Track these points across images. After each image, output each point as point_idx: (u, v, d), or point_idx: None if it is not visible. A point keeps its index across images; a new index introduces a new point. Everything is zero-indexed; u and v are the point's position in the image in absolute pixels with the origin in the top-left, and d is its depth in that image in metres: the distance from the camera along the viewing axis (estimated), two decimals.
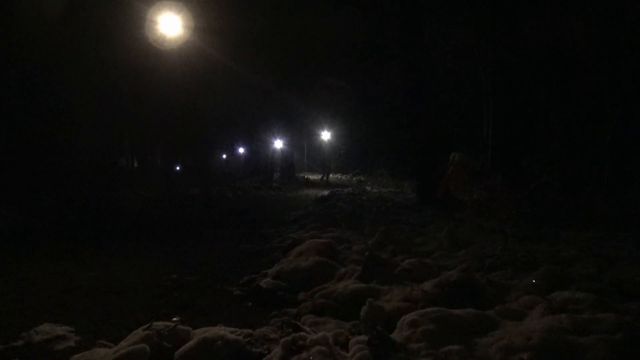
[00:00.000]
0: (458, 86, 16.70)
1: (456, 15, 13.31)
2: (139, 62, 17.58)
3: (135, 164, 25.68)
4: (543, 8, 10.68)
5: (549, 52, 10.86)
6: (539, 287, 3.98)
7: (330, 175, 31.96)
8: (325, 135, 32.20)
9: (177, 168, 28.56)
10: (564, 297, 3.44)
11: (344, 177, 35.76)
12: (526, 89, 11.27)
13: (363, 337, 2.71)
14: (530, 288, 3.98)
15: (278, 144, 33.68)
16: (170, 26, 15.74)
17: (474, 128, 13.70)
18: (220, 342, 2.70)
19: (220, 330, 2.95)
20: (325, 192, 18.75)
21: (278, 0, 21.47)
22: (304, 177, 32.46)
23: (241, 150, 35.58)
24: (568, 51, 10.67)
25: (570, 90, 11.05)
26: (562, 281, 4.18)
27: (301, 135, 34.61)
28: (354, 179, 33.21)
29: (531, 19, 10.58)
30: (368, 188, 22.82)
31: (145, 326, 3.00)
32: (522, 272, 4.65)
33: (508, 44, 10.53)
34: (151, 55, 17.47)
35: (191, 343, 2.73)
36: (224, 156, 35.26)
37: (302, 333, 2.74)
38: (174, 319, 3.75)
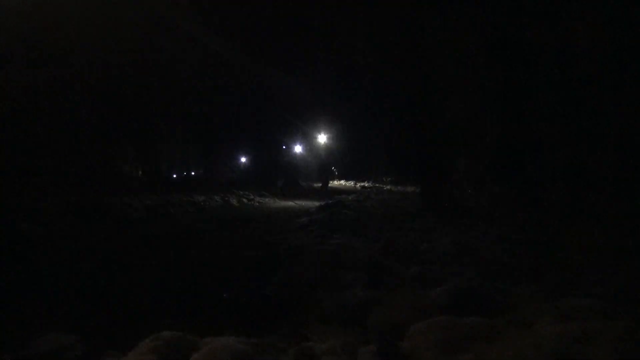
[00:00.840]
0: (462, 91, 16.70)
1: (461, 19, 13.31)
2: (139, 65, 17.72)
3: (140, 172, 25.74)
4: (548, 12, 10.68)
5: (554, 55, 10.85)
6: (547, 294, 3.97)
7: (334, 182, 31.90)
8: (328, 142, 32.26)
9: (184, 173, 28.64)
10: (572, 304, 3.42)
11: (347, 184, 35.78)
12: (531, 94, 11.26)
13: (372, 347, 2.70)
14: (538, 295, 3.97)
15: (282, 150, 33.74)
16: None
17: (478, 134, 13.68)
18: (228, 352, 2.70)
19: (229, 340, 2.95)
20: (330, 200, 18.74)
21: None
22: (307, 184, 32.50)
23: (245, 158, 35.67)
24: (572, 53, 10.66)
25: (575, 93, 11.03)
26: (570, 287, 4.17)
27: (304, 142, 34.66)
28: (358, 185, 33.23)
29: (537, 22, 10.58)
30: (372, 195, 22.78)
31: (153, 336, 2.99)
32: (529, 279, 4.64)
33: (513, 47, 10.54)
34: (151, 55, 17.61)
35: (200, 353, 2.72)
36: (243, 159, 35.25)
37: (310, 343, 2.73)
38: (182, 328, 3.74)
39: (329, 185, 32.84)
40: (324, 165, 33.49)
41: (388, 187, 28.45)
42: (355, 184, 34.99)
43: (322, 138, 30.69)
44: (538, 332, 2.87)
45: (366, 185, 32.27)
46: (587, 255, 5.79)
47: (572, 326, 2.82)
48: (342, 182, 39.33)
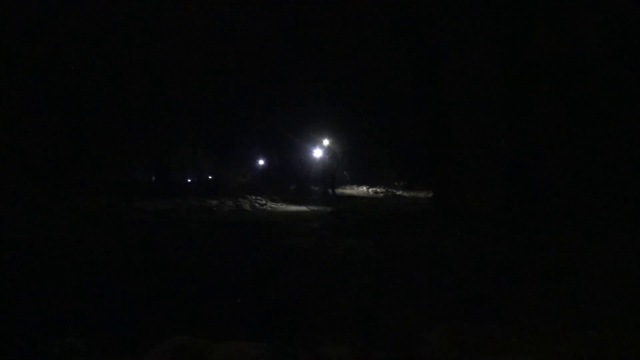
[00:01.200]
0: (470, 98, 16.69)
1: (469, 25, 13.29)
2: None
3: (153, 176, 25.91)
4: (554, 20, 10.63)
5: (560, 62, 10.79)
6: (559, 300, 3.93)
7: (347, 187, 31.79)
8: (340, 147, 32.22)
9: (197, 178, 28.75)
10: (585, 311, 3.39)
11: (360, 189, 35.69)
12: (539, 101, 11.20)
13: (384, 353, 2.69)
14: (551, 301, 3.93)
15: (294, 155, 33.75)
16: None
17: (487, 139, 13.64)
18: (242, 357, 2.69)
19: (242, 344, 2.94)
20: (342, 204, 18.74)
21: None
22: (320, 188, 32.47)
23: (257, 162, 35.79)
24: (578, 59, 10.59)
25: (582, 100, 10.96)
26: (582, 294, 4.12)
27: (317, 146, 34.71)
28: (370, 190, 33.17)
29: (543, 29, 10.55)
30: (384, 199, 22.75)
31: (166, 341, 3.00)
32: (541, 284, 4.59)
33: (522, 52, 10.50)
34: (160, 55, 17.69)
35: (213, 358, 2.72)
36: (260, 162, 35.28)
37: (323, 348, 2.72)
38: (193, 332, 3.74)
39: (342, 190, 32.77)
40: (335, 170, 33.45)
41: (400, 192, 28.41)
42: (368, 189, 34.92)
43: (334, 143, 30.66)
44: (551, 339, 2.84)
45: (378, 190, 32.19)
46: (596, 258, 5.73)
47: (586, 335, 2.79)
48: (355, 187, 39.27)
